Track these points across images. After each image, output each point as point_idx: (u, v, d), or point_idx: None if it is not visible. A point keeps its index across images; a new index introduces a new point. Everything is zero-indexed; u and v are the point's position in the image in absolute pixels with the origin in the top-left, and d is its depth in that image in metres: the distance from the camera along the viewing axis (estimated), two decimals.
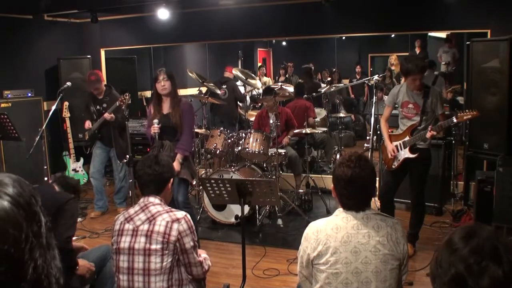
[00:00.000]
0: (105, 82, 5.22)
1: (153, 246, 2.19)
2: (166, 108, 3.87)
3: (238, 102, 6.91)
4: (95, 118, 5.03)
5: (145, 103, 7.72)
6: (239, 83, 7.11)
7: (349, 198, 1.96)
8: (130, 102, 4.29)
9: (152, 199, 2.33)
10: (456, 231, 1.21)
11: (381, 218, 1.97)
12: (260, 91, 7.46)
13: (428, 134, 3.58)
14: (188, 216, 2.31)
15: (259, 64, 9.40)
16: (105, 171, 5.42)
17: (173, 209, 2.33)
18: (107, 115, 4.79)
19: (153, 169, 2.37)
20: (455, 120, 3.50)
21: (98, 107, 5.05)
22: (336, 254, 1.91)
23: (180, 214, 2.28)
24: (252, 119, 6.52)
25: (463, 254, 1.12)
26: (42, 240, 0.83)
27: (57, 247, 0.89)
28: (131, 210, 2.32)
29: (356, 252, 1.90)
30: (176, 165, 3.70)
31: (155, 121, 3.80)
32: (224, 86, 6.55)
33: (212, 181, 3.06)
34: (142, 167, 2.39)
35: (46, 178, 3.05)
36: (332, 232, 1.94)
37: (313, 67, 8.76)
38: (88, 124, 5.03)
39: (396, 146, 3.84)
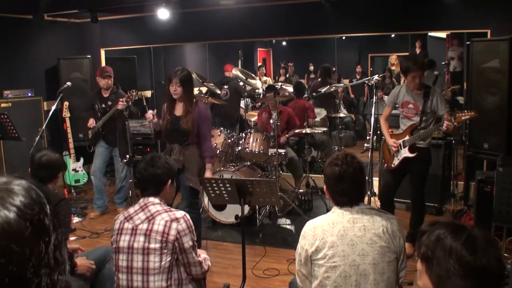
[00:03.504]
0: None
1: (152, 245, 2.19)
2: (179, 109, 3.72)
3: (241, 101, 6.90)
4: (99, 116, 5.01)
5: (145, 103, 7.71)
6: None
7: (341, 195, 2.02)
8: (137, 98, 4.32)
9: (152, 198, 2.33)
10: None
11: (376, 212, 2.02)
12: (260, 91, 7.45)
13: (445, 126, 3.50)
14: (187, 216, 2.31)
15: (259, 64, 9.40)
16: (106, 171, 5.41)
17: (172, 209, 2.34)
18: (121, 105, 4.54)
19: (148, 171, 2.37)
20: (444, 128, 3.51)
21: (103, 105, 5.03)
22: (333, 248, 1.94)
23: (179, 213, 2.29)
24: (253, 119, 6.52)
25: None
26: (48, 256, 0.76)
27: None
28: (131, 210, 2.33)
29: (352, 245, 1.93)
30: (208, 174, 3.71)
31: (150, 111, 3.77)
32: (225, 87, 6.55)
33: (212, 181, 3.06)
34: (140, 169, 2.41)
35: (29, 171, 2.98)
36: (328, 227, 1.98)
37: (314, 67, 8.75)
38: (91, 121, 5.01)
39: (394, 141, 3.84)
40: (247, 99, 7.00)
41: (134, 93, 4.35)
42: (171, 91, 3.64)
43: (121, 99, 4.56)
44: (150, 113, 3.77)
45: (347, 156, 2.05)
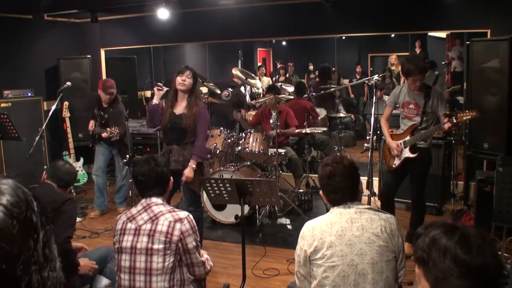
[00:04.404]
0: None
1: (155, 246, 2.19)
2: (180, 108, 3.68)
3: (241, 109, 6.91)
4: (98, 120, 5.05)
5: (145, 103, 7.72)
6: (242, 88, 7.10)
7: (334, 192, 2.06)
8: (118, 138, 4.65)
9: (154, 199, 2.33)
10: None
11: (373, 212, 2.03)
12: (260, 91, 7.44)
13: (447, 126, 3.53)
14: (191, 216, 2.31)
15: (259, 64, 9.40)
16: (106, 171, 5.41)
17: (175, 209, 2.33)
18: (105, 135, 4.80)
19: (156, 171, 2.35)
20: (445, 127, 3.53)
21: (101, 112, 5.04)
22: (332, 248, 1.95)
23: (183, 214, 2.29)
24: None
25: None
26: (38, 253, 0.76)
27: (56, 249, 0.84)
28: (134, 210, 2.32)
29: (351, 244, 1.94)
30: (188, 171, 3.59)
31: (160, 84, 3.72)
32: (230, 90, 6.55)
33: (212, 181, 3.06)
34: (144, 171, 2.35)
35: (44, 174, 3.03)
36: (326, 228, 1.99)
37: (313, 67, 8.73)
38: (92, 124, 5.03)
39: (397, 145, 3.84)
40: (247, 98, 7.00)
41: (116, 132, 4.61)
42: (178, 81, 3.62)
43: (107, 129, 4.74)
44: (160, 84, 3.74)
45: (337, 156, 2.16)
